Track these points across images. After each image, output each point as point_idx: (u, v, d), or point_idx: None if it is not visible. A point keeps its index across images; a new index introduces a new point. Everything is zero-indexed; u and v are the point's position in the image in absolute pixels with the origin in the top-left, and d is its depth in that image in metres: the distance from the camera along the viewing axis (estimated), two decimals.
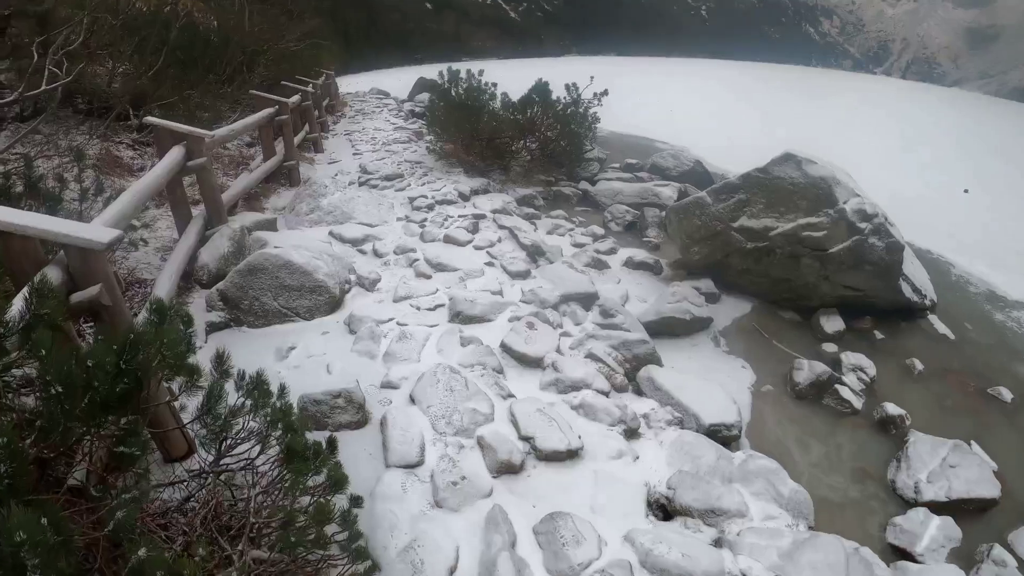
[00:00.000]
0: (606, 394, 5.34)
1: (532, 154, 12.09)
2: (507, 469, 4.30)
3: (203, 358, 3.08)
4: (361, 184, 10.71)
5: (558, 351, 5.85)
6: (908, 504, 4.91)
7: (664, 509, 4.36)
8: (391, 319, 6.10)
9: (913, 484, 5.01)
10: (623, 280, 8.26)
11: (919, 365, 6.75)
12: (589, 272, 7.95)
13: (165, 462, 3.87)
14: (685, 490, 4.34)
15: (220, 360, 3.02)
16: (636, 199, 11.41)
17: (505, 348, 5.71)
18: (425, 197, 9.71)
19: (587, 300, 7.00)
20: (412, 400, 4.92)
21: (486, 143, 11.80)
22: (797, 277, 7.54)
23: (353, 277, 6.91)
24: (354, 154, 13.28)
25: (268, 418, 2.96)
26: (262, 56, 14.93)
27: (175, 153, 6.38)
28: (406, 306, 6.42)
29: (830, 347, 7.01)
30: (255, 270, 6.10)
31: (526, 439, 4.53)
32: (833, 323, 7.37)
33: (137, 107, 10.65)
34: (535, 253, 7.94)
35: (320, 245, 7.20)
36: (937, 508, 4.77)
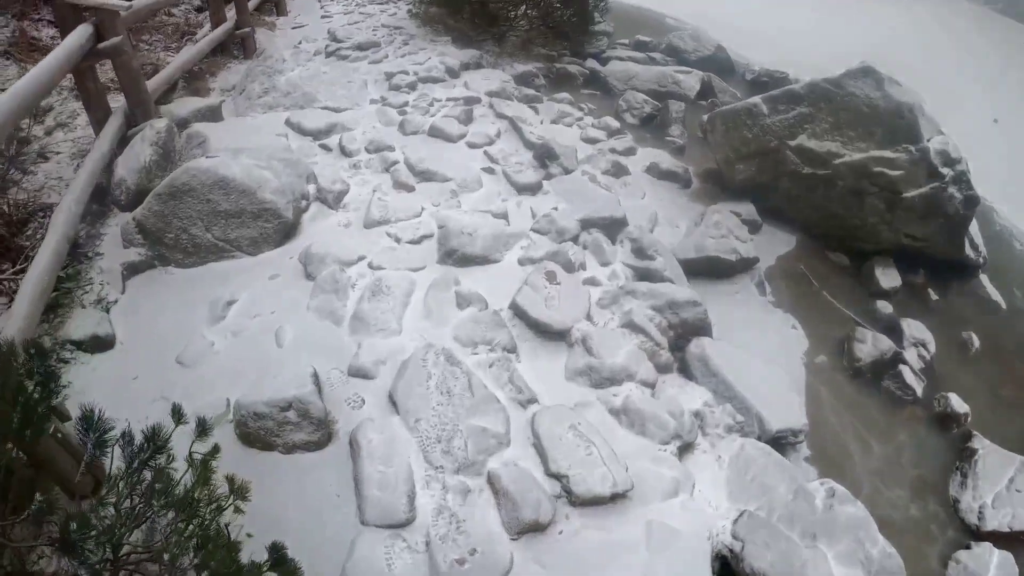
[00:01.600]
0: (651, 386, 3.85)
1: (531, 23, 9.87)
2: (532, 528, 2.79)
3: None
4: (329, 55, 8.56)
5: (588, 317, 4.19)
6: (970, 531, 4.18)
7: (728, 566, 3.11)
8: (361, 258, 4.39)
9: (978, 508, 4.24)
10: (647, 194, 6.52)
11: (976, 341, 5.79)
12: (611, 184, 6.16)
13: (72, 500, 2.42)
14: (757, 547, 3.07)
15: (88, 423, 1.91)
16: (653, 86, 9.44)
17: (518, 312, 4.07)
18: (406, 73, 7.65)
19: (613, 227, 5.36)
20: (393, 403, 3.36)
21: (478, 6, 9.57)
22: (855, 216, 6.30)
23: (312, 188, 5.09)
24: (323, 16, 10.91)
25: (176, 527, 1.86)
26: None
27: (79, 34, 4.64)
28: (381, 235, 4.69)
29: (885, 307, 5.90)
30: (179, 192, 4.34)
31: (556, 477, 3.01)
32: (889, 276, 6.21)
33: None
34: (545, 155, 6.10)
35: (271, 143, 5.41)
36: (997, 539, 4.07)
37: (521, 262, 4.55)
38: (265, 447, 3.15)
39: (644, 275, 4.97)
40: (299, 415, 3.16)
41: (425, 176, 5.35)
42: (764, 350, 4.95)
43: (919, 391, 5.08)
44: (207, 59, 8.02)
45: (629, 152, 7.38)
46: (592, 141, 7.39)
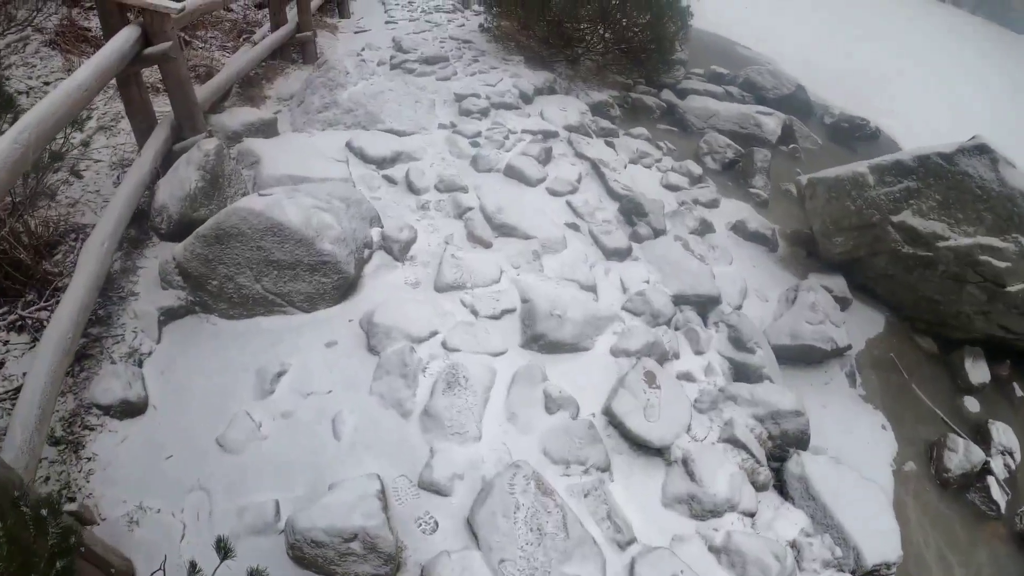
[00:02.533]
0: (752, 515, 3.25)
1: (607, 46, 9.13)
2: None
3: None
4: (394, 67, 7.90)
5: (689, 431, 3.49)
6: None
7: None
8: (433, 334, 3.68)
9: None
10: (734, 259, 5.81)
11: None
12: (698, 246, 5.43)
13: None
14: None
15: None
16: (734, 127, 8.68)
17: (614, 421, 3.40)
18: (477, 96, 6.95)
19: (707, 305, 4.66)
20: (473, 533, 2.71)
21: (554, 25, 8.85)
22: (951, 303, 5.77)
23: (377, 234, 4.41)
24: (387, 22, 10.29)
25: None
26: None
27: (125, 37, 3.99)
28: (455, 303, 3.98)
29: (973, 404, 5.50)
30: (226, 236, 3.69)
31: None
32: (979, 370, 5.71)
33: None
34: (632, 211, 5.40)
35: (330, 171, 4.71)
36: None
37: (614, 353, 3.84)
38: (322, 572, 2.51)
39: (742, 371, 4.35)
40: (365, 548, 2.51)
41: (504, 231, 4.63)
42: (856, 455, 4.55)
43: (1003, 506, 4.70)
44: (264, 63, 7.43)
45: (712, 204, 6.70)
46: (674, 188, 6.71)
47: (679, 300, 4.64)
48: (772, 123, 8.85)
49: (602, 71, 9.25)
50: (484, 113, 6.64)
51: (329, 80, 6.46)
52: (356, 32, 9.74)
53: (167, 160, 4.62)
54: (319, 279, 3.86)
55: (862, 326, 5.98)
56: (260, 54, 6.81)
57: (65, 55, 6.24)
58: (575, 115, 7.02)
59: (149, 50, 4.23)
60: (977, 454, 4.82)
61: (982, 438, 5.14)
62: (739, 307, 5.16)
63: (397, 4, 11.51)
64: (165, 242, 4.25)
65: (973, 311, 5.67)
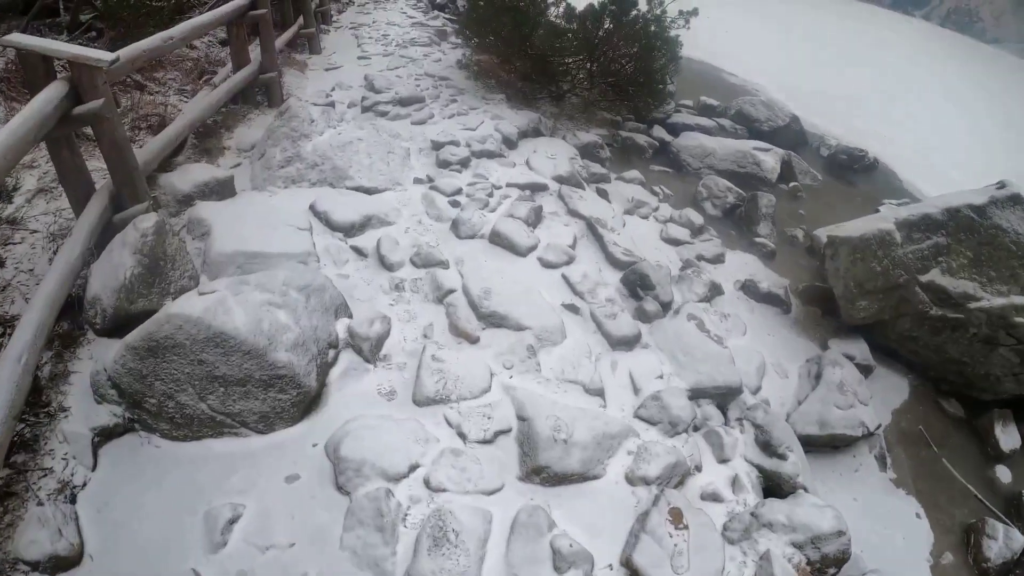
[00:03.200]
0: None
1: (592, 80, 8.56)
2: None
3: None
4: (365, 109, 7.29)
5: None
6: None
7: None
8: (414, 468, 3.00)
9: None
10: (748, 327, 5.23)
11: None
12: (715, 324, 4.80)
13: None
14: None
15: None
16: (732, 166, 8.15)
17: None
18: (456, 144, 6.32)
19: (726, 395, 4.03)
20: None
21: (537, 62, 8.27)
22: (979, 364, 5.29)
23: (343, 328, 3.74)
24: (360, 57, 9.65)
25: None
26: None
27: (50, 94, 3.37)
28: (439, 421, 3.30)
29: (1005, 474, 5.05)
30: (160, 349, 3.05)
31: None
32: (1009, 436, 5.24)
33: None
34: (636, 283, 4.77)
35: (287, 267, 4.02)
36: None
37: (631, 480, 3.19)
38: None
39: (773, 480, 3.75)
40: None
41: (493, 320, 3.96)
42: (892, 555, 4.11)
43: None
44: (225, 107, 6.77)
45: (718, 260, 6.16)
46: (675, 242, 6.15)
47: (697, 394, 4.02)
48: (771, 160, 8.33)
49: (589, 108, 8.68)
50: (464, 164, 6.01)
51: (292, 130, 5.79)
52: (327, 69, 9.11)
53: (107, 233, 3.96)
54: (275, 395, 3.19)
55: (887, 395, 5.47)
56: (219, 99, 6.15)
57: (9, 103, 5.56)
58: (564, 162, 6.41)
59: (78, 109, 3.58)
60: (1018, 540, 4.35)
61: (1016, 513, 4.71)
62: (758, 389, 4.58)
63: (371, 38, 10.88)
64: (103, 338, 3.58)
65: (1003, 373, 5.23)
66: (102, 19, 7.40)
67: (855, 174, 9.86)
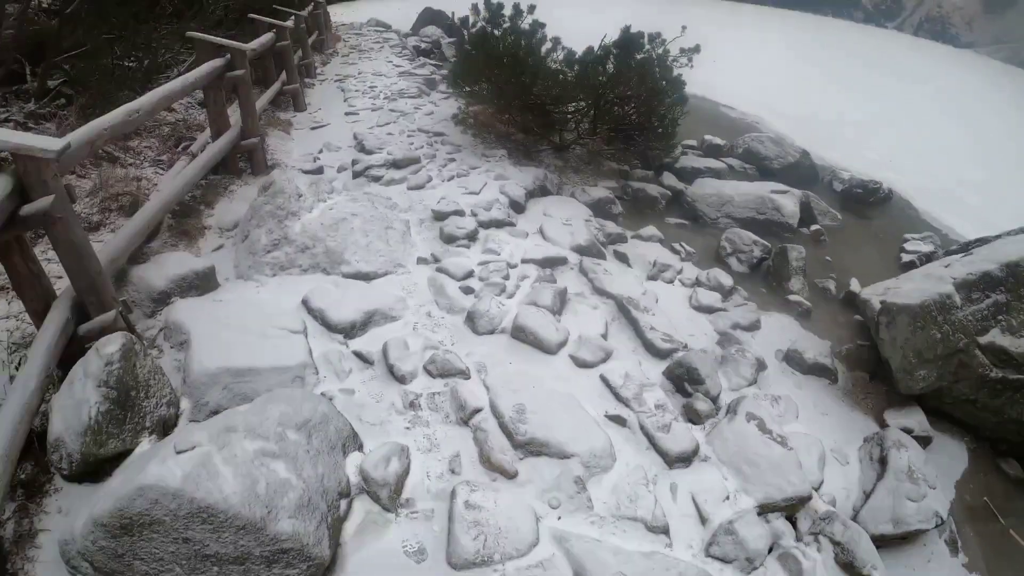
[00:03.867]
0: None
1: (598, 129, 8.03)
2: None
3: None
4: (357, 174, 6.71)
5: None
6: None
7: None
8: None
9: None
10: (799, 408, 4.62)
11: None
12: (775, 421, 4.17)
13: None
14: None
15: None
16: (751, 213, 7.60)
17: None
18: (460, 214, 5.71)
19: (796, 506, 3.41)
20: None
21: (538, 113, 7.74)
22: None
23: (354, 470, 3.09)
24: (347, 113, 9.11)
25: None
26: None
27: None
28: None
29: None
30: (135, 527, 2.43)
31: None
32: None
33: (36, 61, 6.67)
34: (684, 378, 4.14)
35: (282, 398, 3.35)
36: None
37: None
38: None
39: None
40: None
41: (531, 448, 3.28)
42: None
43: None
44: (205, 179, 6.19)
45: (754, 327, 5.56)
46: (706, 310, 5.56)
47: (766, 509, 3.39)
48: (790, 204, 7.79)
49: (594, 158, 8.15)
50: (472, 237, 5.41)
51: (278, 208, 5.18)
52: (314, 128, 8.55)
53: (73, 347, 3.38)
54: (280, 571, 2.53)
55: (947, 465, 4.89)
56: (196, 174, 5.55)
57: None
58: (581, 228, 5.82)
59: (26, 209, 2.98)
60: None
61: None
62: (821, 483, 3.96)
63: (357, 91, 10.36)
64: (73, 484, 2.96)
65: None
66: (71, 85, 6.82)
67: (871, 208, 9.35)
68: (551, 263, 5.19)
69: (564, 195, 6.99)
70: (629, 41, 7.18)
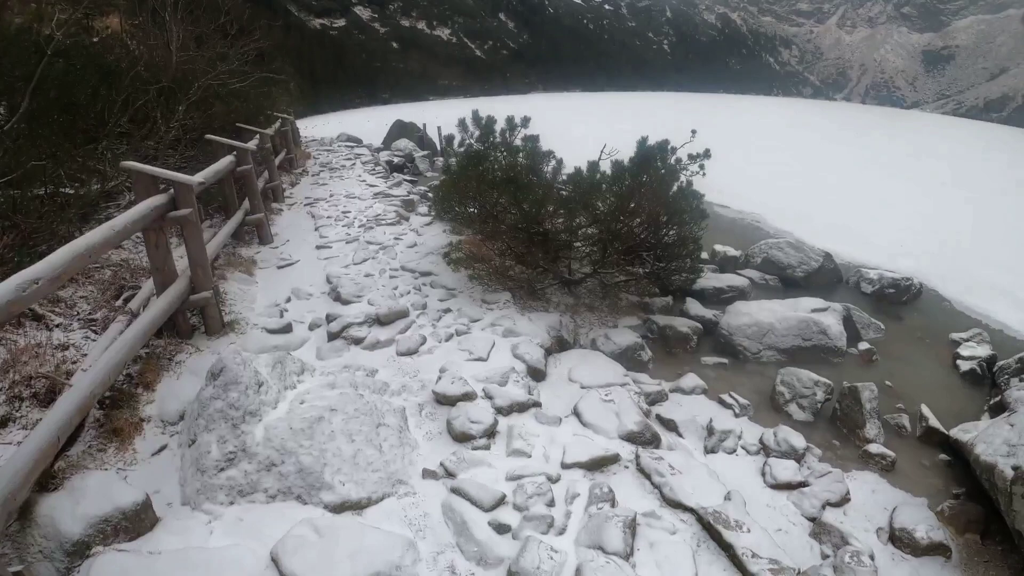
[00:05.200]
0: None
1: (610, 260, 6.84)
2: None
3: None
4: (333, 336, 5.43)
5: None
6: None
7: None
8: None
9: None
10: None
11: None
12: None
13: None
14: None
15: None
16: (796, 340, 6.47)
17: None
18: (470, 398, 4.32)
19: None
20: None
21: (540, 243, 6.59)
22: None
23: None
24: (318, 247, 7.91)
25: None
26: (184, 96, 9.28)
27: None
28: None
29: None
30: None
31: None
32: None
33: None
34: None
35: None
36: None
37: None
38: None
39: None
40: None
41: None
42: None
43: None
44: (148, 346, 4.89)
45: (844, 500, 4.33)
46: (784, 487, 4.36)
47: None
48: (835, 323, 6.67)
49: (609, 292, 6.98)
50: (490, 433, 4.05)
51: (231, 406, 3.80)
52: (280, 267, 7.32)
53: None
54: None
55: None
56: (135, 342, 4.26)
57: None
58: (625, 402, 4.52)
59: None
60: None
61: None
62: None
63: (329, 217, 9.22)
64: None
65: None
66: None
67: (904, 308, 8.33)
68: (600, 464, 3.86)
69: (584, 345, 5.77)
70: (648, 155, 6.13)
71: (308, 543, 3.08)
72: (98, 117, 7.62)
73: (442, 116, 16.73)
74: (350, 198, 10.40)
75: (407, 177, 12.59)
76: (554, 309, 6.29)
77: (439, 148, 17.98)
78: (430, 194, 10.46)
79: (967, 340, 7.01)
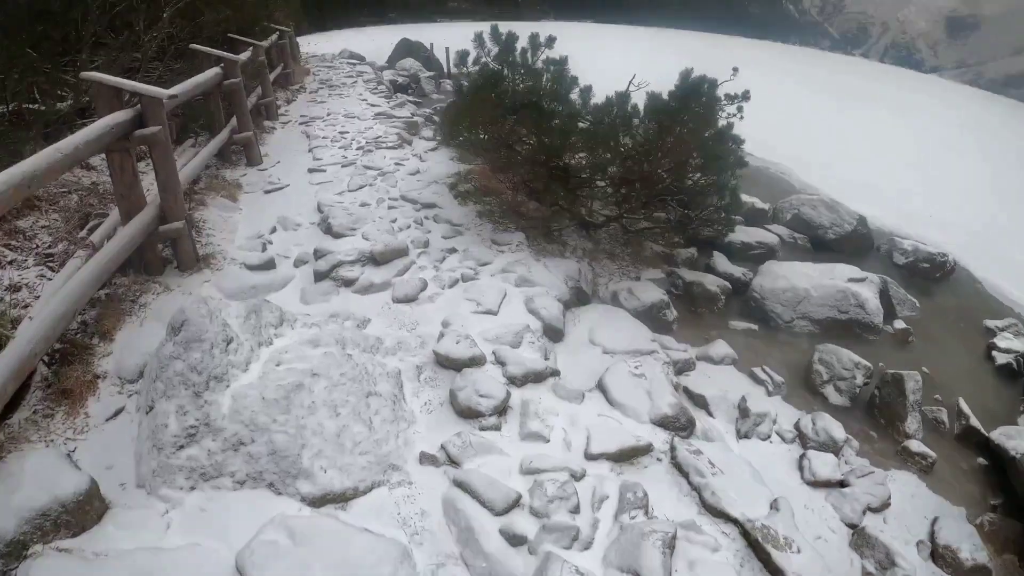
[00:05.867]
0: None
1: (639, 206, 6.10)
2: None
3: None
4: (321, 276, 4.74)
5: None
6: None
7: None
8: None
9: None
10: None
11: None
12: None
13: None
14: None
15: None
16: (832, 311, 5.86)
17: None
18: (479, 363, 3.67)
19: None
20: None
21: (561, 180, 5.84)
22: None
23: None
24: (311, 170, 7.11)
25: None
26: (167, 2, 8.20)
27: None
28: None
29: None
30: None
31: None
32: None
33: None
34: None
35: None
36: None
37: None
38: None
39: None
40: None
41: None
42: None
43: None
44: (110, 284, 4.21)
45: (884, 505, 3.88)
46: (823, 484, 3.88)
47: None
48: (872, 296, 6.04)
49: (631, 238, 6.27)
50: (502, 411, 3.41)
51: (192, 369, 3.12)
52: (268, 191, 6.55)
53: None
54: None
55: None
56: (91, 281, 3.61)
57: None
58: (657, 377, 3.86)
59: None
60: None
61: None
62: None
63: (325, 137, 8.37)
64: None
65: None
66: None
67: (937, 284, 7.69)
68: (631, 456, 3.24)
69: (604, 299, 5.12)
70: (693, 88, 5.33)
71: (281, 552, 2.48)
72: (74, 26, 6.69)
73: (450, 38, 15.58)
74: (349, 118, 9.50)
75: (411, 98, 11.65)
76: (571, 254, 5.60)
77: (446, 70, 16.85)
78: (436, 117, 9.61)
79: (1003, 330, 6.47)
